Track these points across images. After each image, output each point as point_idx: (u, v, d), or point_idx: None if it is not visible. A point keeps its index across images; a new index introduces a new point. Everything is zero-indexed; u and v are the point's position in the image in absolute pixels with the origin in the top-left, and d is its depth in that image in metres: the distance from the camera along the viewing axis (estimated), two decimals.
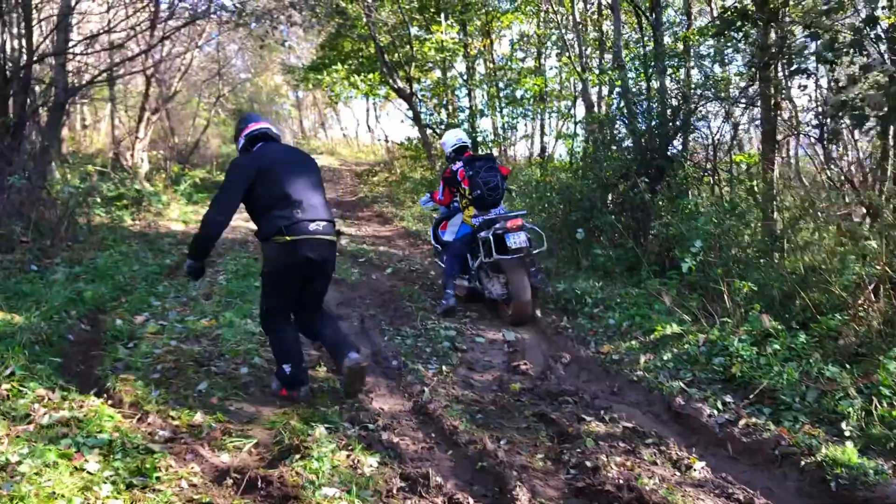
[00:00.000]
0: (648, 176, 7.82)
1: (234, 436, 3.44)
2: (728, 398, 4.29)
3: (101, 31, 10.15)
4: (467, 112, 17.38)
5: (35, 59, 8.45)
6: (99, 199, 10.60)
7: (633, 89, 10.58)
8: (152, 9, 11.60)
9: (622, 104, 10.14)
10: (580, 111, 17.50)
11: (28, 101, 8.48)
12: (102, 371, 4.10)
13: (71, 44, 9.68)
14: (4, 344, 4.02)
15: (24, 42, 8.54)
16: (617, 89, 11.62)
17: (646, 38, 11.40)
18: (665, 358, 5.05)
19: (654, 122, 8.57)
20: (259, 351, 4.85)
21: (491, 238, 6.36)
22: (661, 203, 7.71)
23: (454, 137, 7.36)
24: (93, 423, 3.17)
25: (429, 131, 16.95)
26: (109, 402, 3.64)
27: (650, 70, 10.26)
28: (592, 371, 5.23)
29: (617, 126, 9.83)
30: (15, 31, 9.09)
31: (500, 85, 17.38)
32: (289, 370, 4.11)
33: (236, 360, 4.62)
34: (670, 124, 8.48)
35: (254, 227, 4.24)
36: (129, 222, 10.60)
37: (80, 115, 19.70)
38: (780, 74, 8.43)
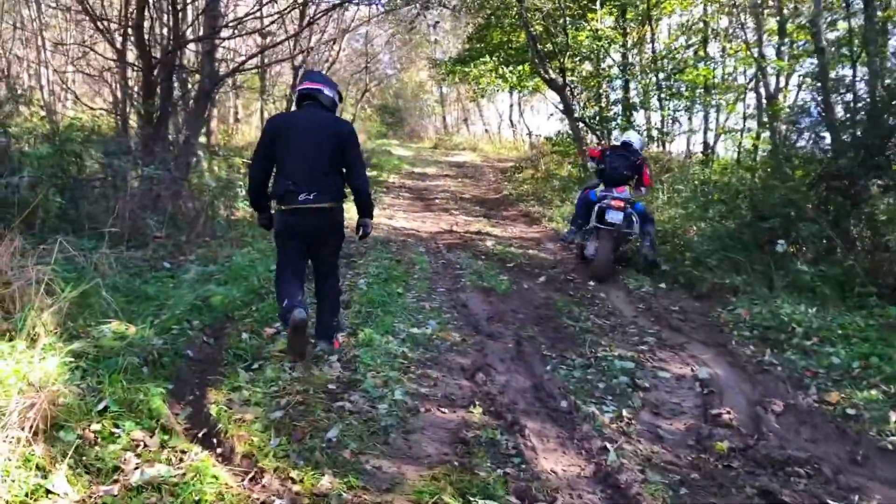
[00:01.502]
0: (870, 176, 6.39)
1: None
2: None
3: (249, 16, 9.85)
4: (620, 106, 16.07)
5: (182, 44, 8.16)
6: (242, 193, 10.34)
7: (832, 75, 9.02)
8: None
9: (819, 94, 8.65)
10: (751, 103, 15.82)
11: (174, 89, 8.21)
12: (216, 406, 3.41)
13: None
14: (105, 366, 3.40)
15: (170, 26, 8.28)
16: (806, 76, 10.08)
17: (850, 14, 9.71)
18: None
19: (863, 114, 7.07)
20: (403, 380, 4.05)
21: (596, 209, 7.85)
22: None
23: (625, 135, 8.91)
24: (192, 488, 2.45)
25: (581, 126, 15.75)
26: (218, 451, 2.94)
27: (857, 53, 8.68)
28: (818, 427, 4.02)
29: (811, 119, 8.34)
30: (164, 18, 8.92)
31: (661, 76, 15.90)
32: (285, 303, 4.24)
33: (376, 393, 3.82)
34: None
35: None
36: None
37: (234, 108, 20.07)
38: None
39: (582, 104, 16.51)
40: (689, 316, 6.36)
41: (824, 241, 6.55)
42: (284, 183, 4.22)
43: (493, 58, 18.73)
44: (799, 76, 12.80)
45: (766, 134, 13.04)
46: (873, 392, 4.20)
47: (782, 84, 14.13)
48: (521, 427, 3.66)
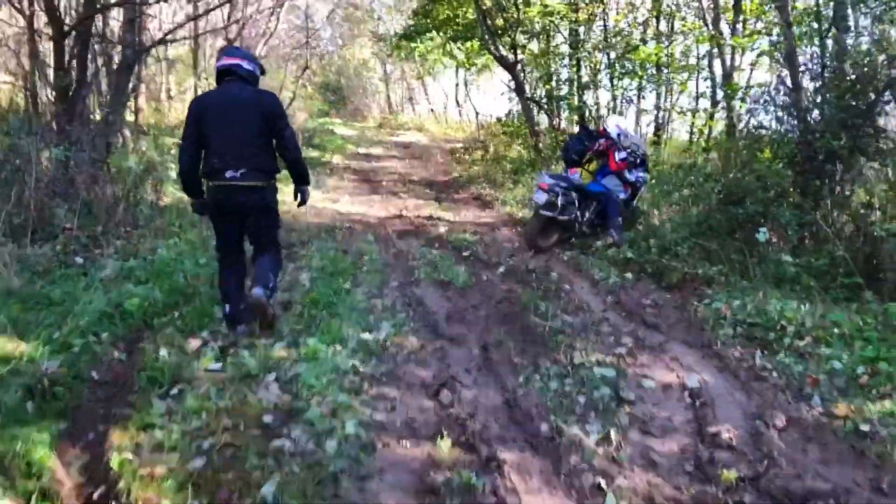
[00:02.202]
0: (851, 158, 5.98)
1: None
2: None
3: None
4: (573, 85, 15.58)
5: (97, 10, 7.22)
6: (174, 175, 9.44)
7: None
8: None
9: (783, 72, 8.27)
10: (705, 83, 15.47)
11: (90, 60, 7.28)
12: (119, 456, 2.68)
13: None
14: None
15: None
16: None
17: None
18: None
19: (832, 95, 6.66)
20: (355, 406, 3.38)
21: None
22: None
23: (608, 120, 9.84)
24: None
25: (533, 106, 15.22)
26: None
27: (825, 27, 8.31)
28: (829, 447, 3.54)
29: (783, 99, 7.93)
30: None
31: (612, 54, 15.41)
32: (227, 310, 4.46)
33: (322, 425, 3.15)
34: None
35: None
36: None
37: (165, 84, 18.85)
38: None
39: (533, 83, 15.95)
40: (664, 311, 5.86)
41: (805, 228, 6.13)
42: (211, 161, 4.24)
43: (440, 34, 18.02)
44: (757, 55, 12.42)
45: (720, 114, 12.74)
46: (887, 404, 3.74)
47: (738, 63, 13.82)
48: (498, 462, 3.06)
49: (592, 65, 15.71)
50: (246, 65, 4.39)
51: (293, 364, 3.86)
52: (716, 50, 13.08)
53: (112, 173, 7.07)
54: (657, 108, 16.18)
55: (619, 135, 8.10)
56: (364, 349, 4.32)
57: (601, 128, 8.48)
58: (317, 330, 4.52)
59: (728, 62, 12.25)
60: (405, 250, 7.92)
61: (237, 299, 4.47)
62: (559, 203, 7.81)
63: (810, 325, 4.78)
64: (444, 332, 5.01)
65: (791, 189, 6.35)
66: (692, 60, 15.15)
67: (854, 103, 6.47)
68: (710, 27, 12.05)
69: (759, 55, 12.17)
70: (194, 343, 4.12)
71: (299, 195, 4.79)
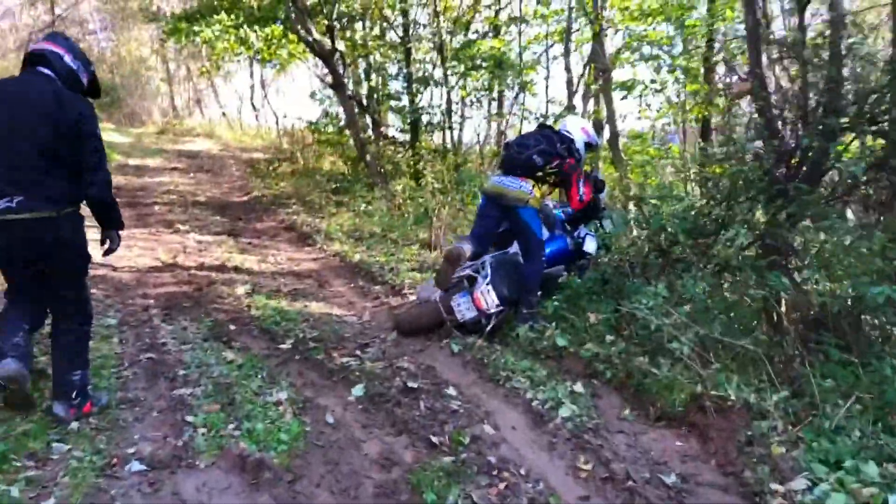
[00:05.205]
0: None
1: None
2: None
3: None
4: (404, 81, 12.55)
5: None
6: None
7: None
8: None
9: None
10: (559, 84, 13.20)
11: None
12: None
13: None
14: None
15: None
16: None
17: None
18: None
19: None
20: None
21: None
22: None
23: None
24: None
25: (355, 105, 11.98)
26: None
27: None
28: None
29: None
30: None
31: (451, 45, 12.57)
32: None
33: None
34: None
35: None
36: None
37: None
38: None
39: (357, 78, 12.76)
40: (703, 491, 2.94)
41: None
42: None
43: (231, 17, 14.21)
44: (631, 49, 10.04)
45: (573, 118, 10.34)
46: None
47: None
48: None
49: (425, 55, 12.83)
50: (68, 59, 3.26)
51: None
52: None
53: None
54: (498, 115, 13.69)
55: (589, 142, 5.17)
56: None
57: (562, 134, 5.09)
58: None
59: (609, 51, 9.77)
60: (172, 349, 4.38)
61: (9, 337, 3.15)
62: (492, 310, 4.69)
63: None
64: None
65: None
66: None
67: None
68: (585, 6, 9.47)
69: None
70: None
71: (107, 242, 3.55)
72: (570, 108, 10.88)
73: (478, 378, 4.16)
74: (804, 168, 4.50)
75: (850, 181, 4.02)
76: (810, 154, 4.57)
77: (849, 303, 3.46)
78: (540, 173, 4.76)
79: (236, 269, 6.89)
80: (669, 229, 4.35)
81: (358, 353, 4.57)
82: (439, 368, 4.30)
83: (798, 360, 3.62)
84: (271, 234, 9.15)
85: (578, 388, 3.94)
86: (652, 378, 3.79)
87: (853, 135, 4.52)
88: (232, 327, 4.99)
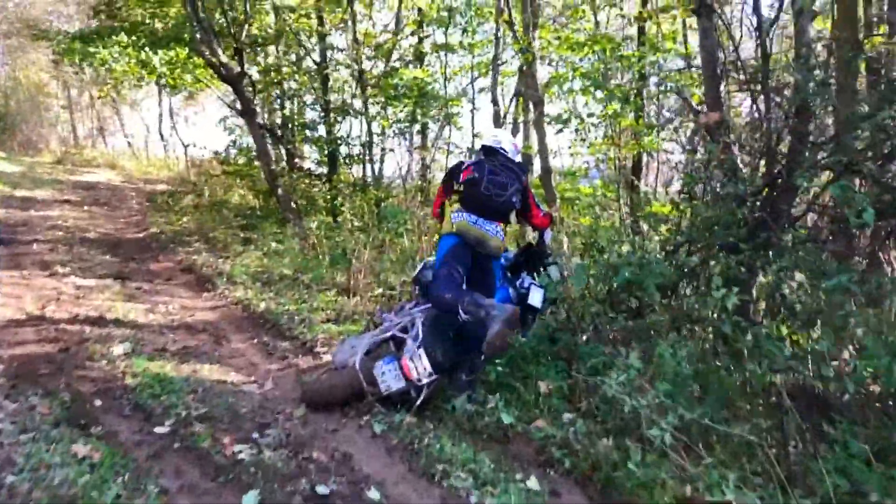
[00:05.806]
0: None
1: None
2: None
3: None
4: (321, 110, 11.68)
5: None
6: None
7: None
8: None
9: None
10: (485, 117, 12.64)
11: None
12: None
13: None
14: None
15: None
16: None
17: None
18: None
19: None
20: None
21: None
22: None
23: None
24: None
25: (267, 136, 11.03)
26: None
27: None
28: None
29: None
30: None
31: (372, 71, 11.79)
32: None
33: None
34: None
35: None
36: None
37: None
38: None
39: (269, 106, 11.82)
40: None
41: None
42: None
43: (132, 38, 13.07)
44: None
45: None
46: None
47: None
48: None
49: (342, 84, 12.01)
50: None
51: None
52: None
53: None
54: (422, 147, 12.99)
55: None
56: None
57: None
58: None
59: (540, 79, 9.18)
60: (5, 444, 3.33)
61: None
62: (423, 380, 3.86)
63: None
64: None
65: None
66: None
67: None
68: (519, 35, 8.88)
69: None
70: None
71: None
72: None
73: (407, 471, 3.31)
74: (775, 208, 3.93)
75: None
76: (776, 194, 4.03)
77: (868, 382, 2.81)
78: (512, 214, 4.14)
79: (117, 322, 5.82)
80: (638, 284, 3.64)
81: (256, 436, 3.65)
82: (358, 457, 3.43)
83: (799, 448, 2.94)
84: (166, 278, 8.06)
85: (533, 483, 3.15)
86: (624, 471, 3.04)
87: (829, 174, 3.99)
88: (97, 403, 3.98)
